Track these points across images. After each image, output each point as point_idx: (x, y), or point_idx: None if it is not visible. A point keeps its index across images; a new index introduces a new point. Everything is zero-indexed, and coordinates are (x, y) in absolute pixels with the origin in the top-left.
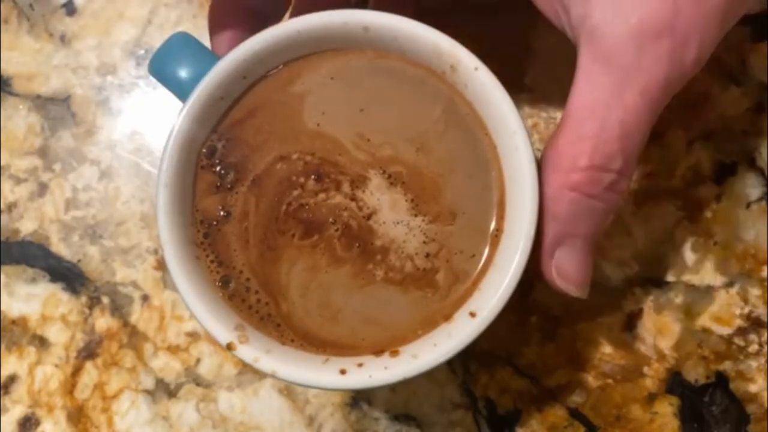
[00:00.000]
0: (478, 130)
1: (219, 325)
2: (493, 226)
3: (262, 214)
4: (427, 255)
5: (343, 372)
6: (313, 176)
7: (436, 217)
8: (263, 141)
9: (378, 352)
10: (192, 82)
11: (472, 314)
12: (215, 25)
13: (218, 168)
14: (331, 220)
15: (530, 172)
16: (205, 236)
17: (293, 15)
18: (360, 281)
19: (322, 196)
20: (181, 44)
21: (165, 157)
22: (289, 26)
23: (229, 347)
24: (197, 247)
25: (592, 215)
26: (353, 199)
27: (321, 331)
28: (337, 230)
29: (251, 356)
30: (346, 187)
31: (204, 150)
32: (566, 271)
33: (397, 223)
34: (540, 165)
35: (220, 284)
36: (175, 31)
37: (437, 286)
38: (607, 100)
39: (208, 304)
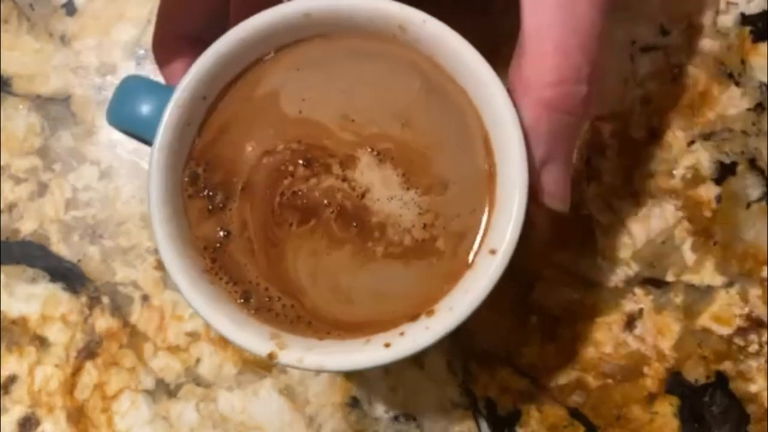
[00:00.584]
0: (454, 90)
1: (254, 340)
2: (485, 178)
3: (259, 214)
4: (424, 226)
5: (387, 345)
6: (301, 163)
7: (429, 189)
8: (243, 150)
9: (414, 317)
10: (154, 119)
11: (493, 252)
12: (162, 59)
13: (205, 192)
14: (325, 202)
15: (510, 114)
16: (213, 261)
17: (234, 24)
18: (361, 259)
19: (313, 180)
20: (132, 87)
21: (151, 196)
22: (233, 36)
23: (271, 357)
24: (208, 273)
25: (570, 132)
26: (345, 179)
27: (352, 316)
28: (332, 212)
29: (295, 358)
30: (336, 169)
31: (186, 179)
32: (552, 190)
33: (391, 198)
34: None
35: (242, 301)
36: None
37: (440, 252)
38: (559, 14)
39: (238, 324)
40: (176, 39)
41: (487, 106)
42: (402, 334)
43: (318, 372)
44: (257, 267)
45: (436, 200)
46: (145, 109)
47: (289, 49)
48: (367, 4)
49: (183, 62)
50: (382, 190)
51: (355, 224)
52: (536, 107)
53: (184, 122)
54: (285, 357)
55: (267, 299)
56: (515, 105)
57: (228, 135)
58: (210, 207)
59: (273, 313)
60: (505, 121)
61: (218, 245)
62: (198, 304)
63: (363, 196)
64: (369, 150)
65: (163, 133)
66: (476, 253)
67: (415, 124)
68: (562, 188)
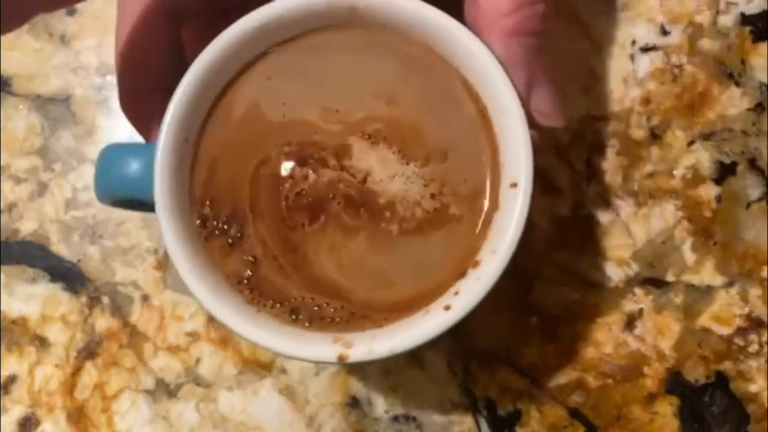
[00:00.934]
0: (429, 56)
1: (319, 350)
2: (481, 125)
3: (272, 228)
4: (433, 196)
5: (448, 308)
6: (297, 163)
7: (428, 159)
8: (238, 171)
9: (461, 274)
10: (145, 178)
11: (514, 185)
12: (134, 118)
13: (219, 229)
14: (330, 195)
15: (486, 53)
16: (251, 291)
17: (193, 60)
18: (380, 242)
19: (313, 177)
20: (113, 155)
21: (171, 251)
22: (197, 72)
23: (341, 359)
24: (252, 305)
25: (540, 50)
26: (343, 169)
27: (401, 295)
28: (339, 203)
29: (364, 352)
30: (332, 161)
31: (197, 222)
32: (544, 109)
33: (393, 177)
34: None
35: (293, 318)
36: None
37: (456, 217)
38: None
39: (299, 341)
40: (143, 94)
41: (463, 57)
42: (457, 293)
43: (391, 354)
44: (293, 281)
45: (438, 169)
46: (132, 171)
47: (255, 63)
48: None
49: (156, 114)
50: (382, 170)
51: (363, 209)
52: (503, 38)
53: (175, 170)
54: (354, 355)
55: (316, 308)
56: (481, 39)
57: (221, 165)
58: (229, 241)
59: (327, 320)
60: (483, 65)
61: (250, 274)
62: (257, 337)
63: (365, 180)
64: (360, 135)
65: (159, 188)
66: (498, 194)
67: (400, 100)
68: (552, 105)
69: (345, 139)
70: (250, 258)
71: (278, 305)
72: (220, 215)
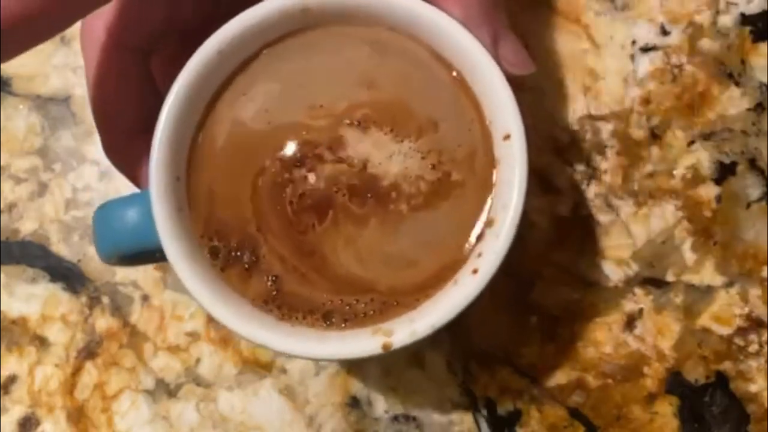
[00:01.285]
0: (395, 37)
1: (363, 346)
2: (459, 90)
3: (284, 238)
4: (433, 166)
5: (475, 271)
6: (294, 165)
7: (420, 132)
8: (237, 193)
9: (479, 237)
10: (146, 227)
11: (507, 137)
12: (121, 163)
13: (232, 258)
14: (334, 189)
15: (457, 27)
16: (280, 308)
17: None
18: (392, 224)
19: (312, 176)
20: (108, 213)
21: (194, 293)
22: (172, 109)
23: (386, 347)
24: (286, 320)
25: (496, 5)
26: (340, 160)
27: (426, 271)
28: (344, 195)
29: (407, 335)
30: (328, 155)
31: (209, 256)
32: (512, 59)
33: (390, 157)
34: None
35: (329, 323)
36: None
37: (460, 183)
38: None
39: (343, 342)
40: (124, 138)
41: (429, 30)
42: (480, 255)
43: (433, 330)
44: (318, 287)
45: (431, 139)
46: (131, 225)
47: (226, 85)
48: (271, 5)
49: (143, 157)
50: (379, 153)
51: (369, 195)
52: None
53: (174, 211)
54: (398, 341)
55: (347, 308)
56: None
57: (218, 194)
58: (246, 266)
59: (361, 316)
60: (451, 33)
61: (275, 293)
62: (298, 351)
63: (364, 167)
64: (348, 123)
65: (163, 233)
66: (494, 150)
67: (379, 83)
68: (519, 54)
69: (336, 131)
70: (272, 277)
71: (310, 315)
72: (230, 244)
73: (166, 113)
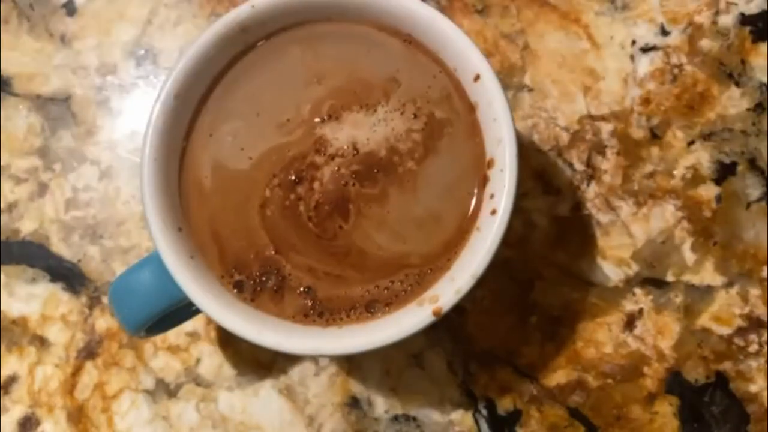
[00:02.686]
0: (325, 25)
1: (415, 320)
2: (414, 48)
3: (313, 251)
4: (415, 115)
5: (494, 212)
6: (295, 184)
7: (386, 93)
8: (249, 229)
9: (484, 180)
10: (165, 287)
11: (476, 78)
12: None
13: (260, 286)
14: (342, 184)
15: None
16: (321, 315)
17: None
18: (410, 185)
19: (316, 184)
20: (123, 286)
21: (237, 333)
22: (148, 179)
23: (437, 313)
24: (333, 325)
25: None
26: (333, 156)
27: (453, 222)
28: (354, 185)
29: (452, 294)
30: (319, 159)
31: (236, 291)
32: None
33: (373, 127)
34: None
35: (373, 312)
36: (113, 284)
37: (447, 119)
38: None
39: (393, 324)
40: None
41: (374, 8)
42: (492, 196)
43: (474, 280)
44: (353, 282)
45: (400, 93)
46: (148, 287)
47: (193, 128)
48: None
49: None
50: (362, 131)
51: (376, 171)
52: None
53: (186, 260)
54: (445, 302)
55: (386, 291)
56: None
57: (224, 234)
58: (275, 288)
59: (402, 294)
60: (397, 2)
61: (311, 303)
62: (358, 347)
63: (357, 150)
64: (320, 121)
65: (186, 286)
66: (466, 91)
67: (326, 73)
68: None
69: (313, 134)
70: (304, 289)
71: (352, 311)
72: (253, 274)
73: (146, 167)
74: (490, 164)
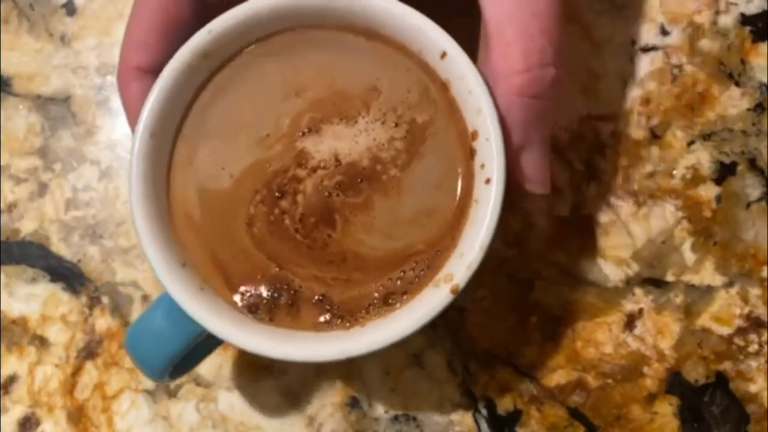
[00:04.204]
0: (307, 32)
1: (436, 302)
2: (382, 47)
3: (310, 261)
4: (396, 124)
5: (488, 181)
6: (277, 199)
7: (366, 103)
8: (244, 250)
9: (470, 153)
10: (181, 325)
11: (443, 54)
12: (125, 100)
13: (272, 305)
14: (326, 195)
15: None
16: (342, 318)
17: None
18: (395, 192)
19: (300, 197)
20: (137, 332)
21: (274, 356)
22: (139, 213)
23: (455, 290)
24: (357, 325)
25: (543, 115)
26: (315, 169)
27: (448, 212)
28: (338, 195)
29: (465, 269)
30: (301, 172)
31: (251, 315)
32: (531, 174)
33: (355, 138)
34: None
35: (392, 302)
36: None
37: (429, 120)
38: (518, 1)
39: (416, 311)
40: (136, 73)
41: (338, 12)
42: (483, 165)
43: (483, 252)
44: (365, 281)
45: (380, 102)
46: (164, 326)
47: (172, 160)
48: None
49: (142, 97)
50: (343, 143)
51: (360, 180)
52: (508, 95)
53: (197, 293)
54: (460, 279)
55: (399, 282)
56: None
57: (224, 260)
58: (290, 303)
59: (415, 282)
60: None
61: (328, 309)
62: (386, 340)
63: (339, 161)
64: (301, 135)
65: (199, 316)
66: (438, 72)
67: (305, 85)
68: (541, 172)
69: (294, 147)
70: (318, 298)
71: (371, 308)
72: (263, 294)
73: (136, 209)
74: (474, 136)
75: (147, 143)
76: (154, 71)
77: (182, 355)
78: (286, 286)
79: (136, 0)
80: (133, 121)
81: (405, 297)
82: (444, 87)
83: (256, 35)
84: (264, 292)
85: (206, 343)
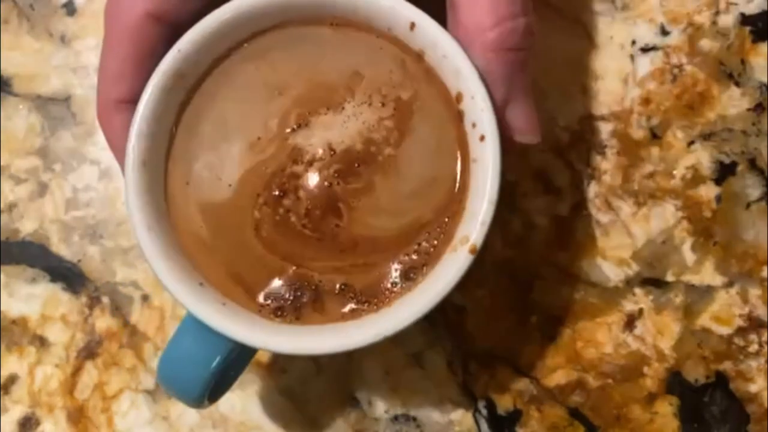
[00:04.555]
0: (281, 34)
1: (455, 268)
2: (360, 32)
3: (326, 254)
4: (382, 104)
5: (482, 138)
6: (280, 199)
7: (351, 89)
8: (258, 255)
9: (459, 115)
10: (209, 341)
11: (412, 26)
12: (107, 132)
13: (298, 303)
14: (327, 185)
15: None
16: (368, 302)
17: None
18: (393, 171)
19: (301, 192)
20: (169, 360)
21: (313, 352)
22: (141, 232)
23: (474, 251)
24: (382, 307)
25: (521, 66)
26: (311, 162)
27: (448, 180)
28: (339, 183)
29: (479, 226)
30: (300, 168)
31: (279, 319)
32: (520, 125)
33: (344, 125)
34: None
35: (414, 278)
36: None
37: (414, 94)
38: None
39: (438, 280)
40: (119, 104)
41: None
42: (474, 125)
43: (494, 206)
44: (382, 262)
45: (364, 85)
46: (195, 348)
47: (167, 180)
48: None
49: (125, 128)
50: (334, 132)
51: (357, 165)
52: (484, 53)
53: (220, 308)
54: (476, 238)
55: (416, 256)
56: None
57: (240, 270)
58: (314, 299)
59: (432, 252)
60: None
61: (353, 297)
62: (418, 313)
63: (332, 150)
64: (290, 131)
65: (230, 330)
66: (409, 43)
67: (287, 83)
68: (529, 121)
69: (287, 146)
70: (340, 287)
71: (396, 286)
72: (286, 297)
73: (142, 241)
74: (459, 99)
75: (139, 173)
76: (134, 101)
77: (219, 374)
78: (306, 283)
79: (105, 34)
80: (120, 156)
81: (425, 269)
82: (419, 58)
83: (226, 45)
84: (286, 293)
85: (241, 357)
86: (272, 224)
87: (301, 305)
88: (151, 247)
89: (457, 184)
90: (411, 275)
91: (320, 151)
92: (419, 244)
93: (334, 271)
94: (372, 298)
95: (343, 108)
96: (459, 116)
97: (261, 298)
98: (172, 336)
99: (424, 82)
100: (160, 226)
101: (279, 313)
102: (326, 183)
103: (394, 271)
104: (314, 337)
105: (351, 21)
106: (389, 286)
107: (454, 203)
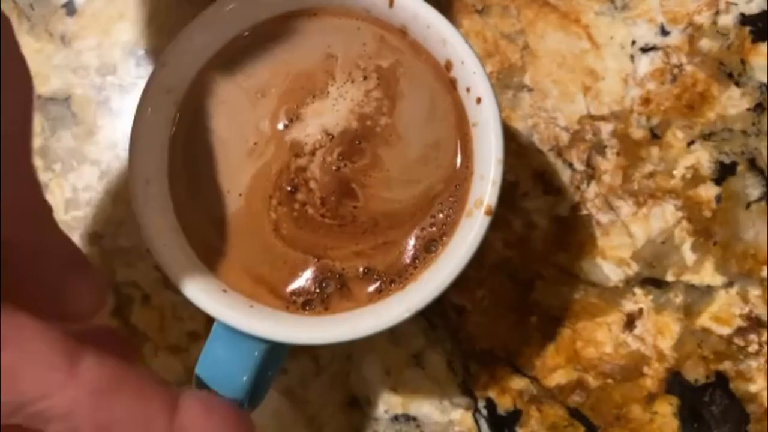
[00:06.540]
0: (263, 34)
1: (472, 229)
2: (329, 18)
3: (346, 241)
4: (364, 78)
5: (479, 100)
6: (293, 194)
7: (331, 72)
8: (280, 255)
9: (451, 85)
10: (244, 348)
11: (391, 4)
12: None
13: (324, 294)
14: (335, 169)
15: None
16: (393, 282)
17: None
18: (398, 147)
19: (313, 183)
20: (207, 368)
21: (347, 338)
22: (158, 248)
23: (488, 212)
24: (409, 282)
25: None
26: (313, 151)
27: (451, 143)
28: (345, 165)
29: (490, 186)
30: (304, 161)
31: (308, 312)
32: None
33: (334, 108)
34: None
35: (435, 250)
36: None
37: (399, 59)
38: None
39: (461, 244)
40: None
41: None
42: (468, 89)
43: (502, 165)
44: (400, 238)
45: (343, 64)
46: (232, 356)
47: (171, 199)
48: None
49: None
50: (326, 117)
51: (358, 142)
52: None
53: (247, 310)
54: (490, 199)
55: (432, 228)
56: None
57: (263, 271)
58: (339, 287)
59: (449, 220)
60: None
61: (377, 278)
62: (445, 282)
63: (330, 134)
64: (284, 128)
65: (262, 331)
66: (389, 19)
67: (269, 83)
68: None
69: (285, 142)
70: (363, 271)
71: (418, 260)
72: (312, 288)
73: (160, 257)
74: (448, 67)
75: (146, 191)
76: None
77: (256, 377)
78: (329, 273)
79: None
80: None
81: (444, 239)
82: (402, 33)
83: (207, 55)
84: (311, 286)
85: (275, 355)
86: (291, 221)
87: (327, 295)
88: (169, 261)
89: (462, 150)
90: (432, 248)
91: (319, 139)
92: (434, 216)
93: (356, 257)
94: (396, 276)
95: (328, 92)
96: (452, 83)
97: (287, 295)
98: (204, 347)
99: (409, 55)
100: (175, 243)
101: (307, 306)
102: (334, 168)
103: (414, 246)
104: (345, 324)
105: (327, 9)
106: (412, 261)
107: (461, 169)
